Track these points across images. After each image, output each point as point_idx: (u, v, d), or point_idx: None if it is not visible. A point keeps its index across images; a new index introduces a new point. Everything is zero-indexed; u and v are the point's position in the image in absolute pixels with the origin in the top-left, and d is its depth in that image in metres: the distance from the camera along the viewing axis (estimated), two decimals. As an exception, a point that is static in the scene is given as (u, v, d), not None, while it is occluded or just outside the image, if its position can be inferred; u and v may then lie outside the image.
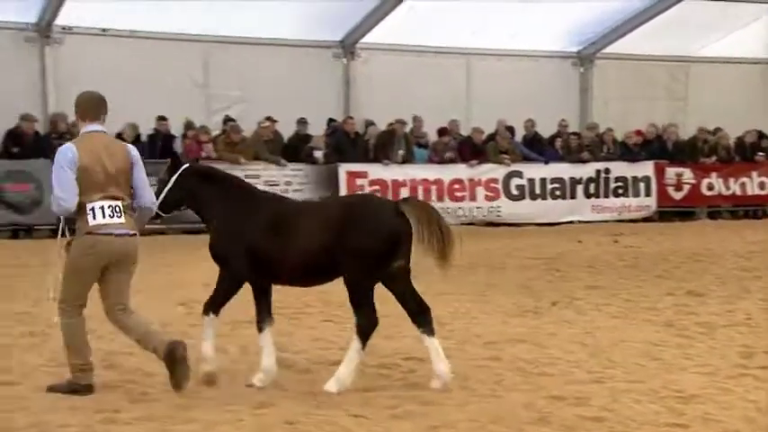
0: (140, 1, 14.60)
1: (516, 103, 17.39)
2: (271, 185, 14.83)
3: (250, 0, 15.11)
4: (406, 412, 5.11)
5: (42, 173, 13.43)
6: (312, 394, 5.47)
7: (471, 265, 11.05)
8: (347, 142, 15.86)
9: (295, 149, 15.55)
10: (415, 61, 17.56)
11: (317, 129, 16.16)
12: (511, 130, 17.12)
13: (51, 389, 5.48)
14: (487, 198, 16.25)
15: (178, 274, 10.19)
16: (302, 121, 16.02)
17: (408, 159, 15.92)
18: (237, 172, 14.53)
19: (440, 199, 15.81)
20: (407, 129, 16.21)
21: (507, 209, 16.35)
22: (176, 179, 5.82)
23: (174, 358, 5.30)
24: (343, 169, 15.42)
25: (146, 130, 14.87)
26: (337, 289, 9.10)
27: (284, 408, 5.16)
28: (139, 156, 5.63)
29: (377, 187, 15.47)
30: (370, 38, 17.13)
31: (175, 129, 15.31)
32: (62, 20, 14.93)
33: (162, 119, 14.99)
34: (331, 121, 16.86)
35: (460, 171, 16.21)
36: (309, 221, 5.47)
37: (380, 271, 5.40)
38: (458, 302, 8.64)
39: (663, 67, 19.50)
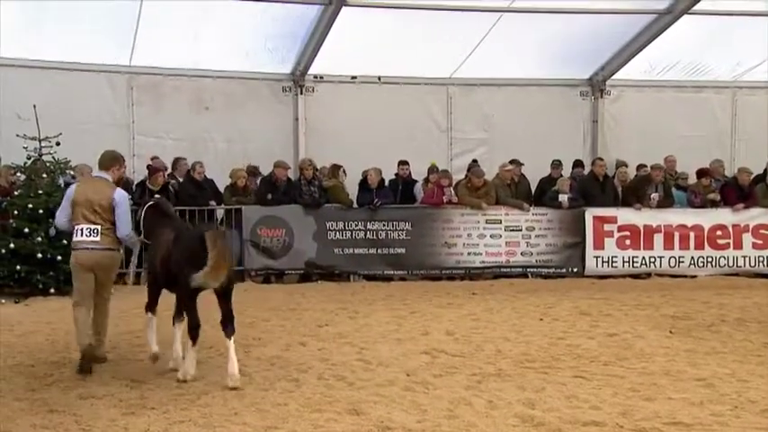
0: (387, 48, 14.86)
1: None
2: (512, 230, 14.44)
3: (493, 41, 14.89)
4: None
5: (293, 219, 13.92)
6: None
7: (739, 321, 10.01)
8: (595, 185, 15.04)
9: (544, 193, 15.00)
10: (671, 97, 16.47)
11: (562, 171, 15.51)
12: (784, 169, 15.43)
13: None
14: (756, 246, 14.63)
15: (424, 321, 10.00)
16: (555, 164, 15.45)
17: (666, 204, 14.77)
18: (479, 216, 14.70)
19: (699, 247, 14.50)
20: (663, 171, 15.09)
21: (780, 258, 14.69)
22: (142, 211, 7.67)
23: (85, 354, 7.06)
24: (590, 214, 14.62)
25: (390, 174, 14.99)
26: (585, 342, 8.71)
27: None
28: (124, 199, 7.41)
29: (626, 233, 14.49)
30: (621, 74, 16.33)
31: (420, 173, 15.31)
32: (315, 69, 15.54)
33: (403, 163, 15.06)
34: (577, 162, 16.14)
35: (723, 216, 14.76)
36: (165, 247, 7.08)
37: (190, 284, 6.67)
38: (730, 363, 7.70)
39: None
